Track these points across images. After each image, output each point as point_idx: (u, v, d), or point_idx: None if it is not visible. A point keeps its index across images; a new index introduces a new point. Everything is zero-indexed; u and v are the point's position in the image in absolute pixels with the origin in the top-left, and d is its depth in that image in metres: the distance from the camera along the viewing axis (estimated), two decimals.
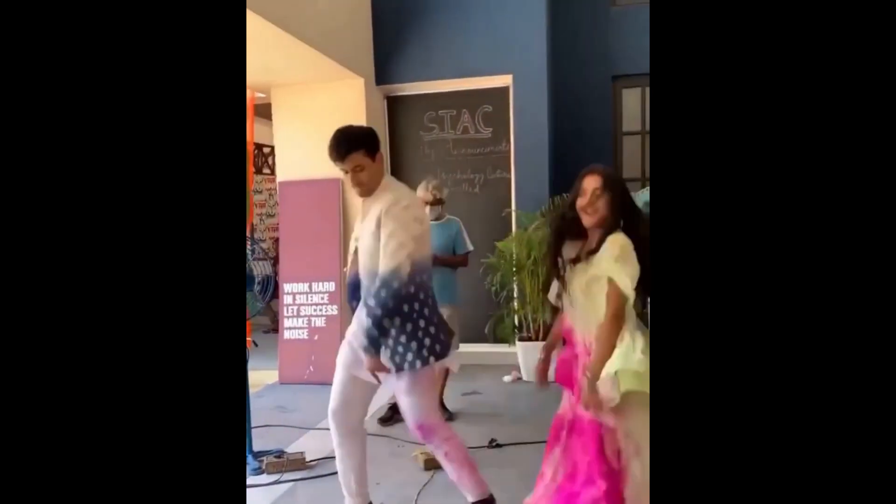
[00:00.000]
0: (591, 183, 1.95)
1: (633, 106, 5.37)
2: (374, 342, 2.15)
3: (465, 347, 3.93)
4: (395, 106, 5.23)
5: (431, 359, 2.21)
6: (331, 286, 4.74)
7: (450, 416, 3.87)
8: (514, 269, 4.61)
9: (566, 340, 2.17)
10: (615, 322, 1.91)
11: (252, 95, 4.98)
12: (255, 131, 5.20)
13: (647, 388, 1.97)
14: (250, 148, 4.95)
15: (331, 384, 2.38)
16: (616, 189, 1.94)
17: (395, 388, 2.29)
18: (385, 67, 5.03)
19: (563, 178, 4.95)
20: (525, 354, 4.63)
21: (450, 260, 3.79)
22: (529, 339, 4.64)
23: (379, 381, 2.28)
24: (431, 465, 3.02)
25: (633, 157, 5.41)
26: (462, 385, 4.31)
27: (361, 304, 2.24)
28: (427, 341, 2.20)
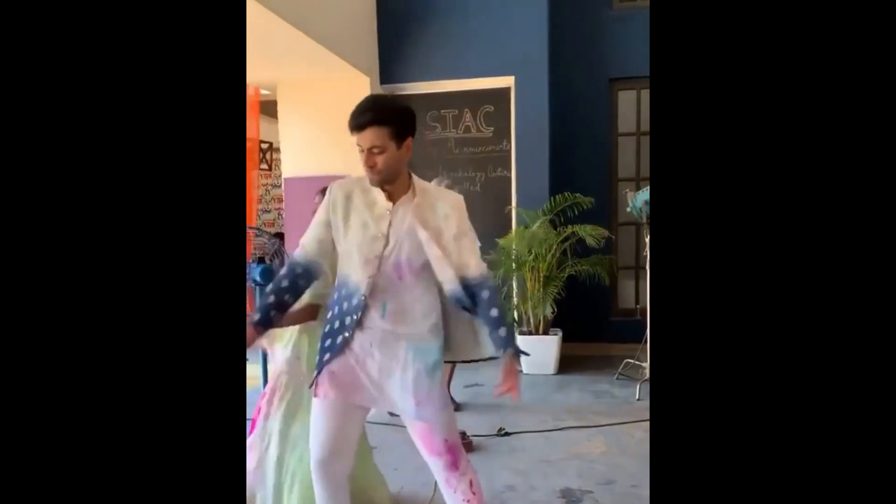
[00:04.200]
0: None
1: (629, 108, 5.51)
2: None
3: None
4: None
5: None
6: None
7: (457, 406, 3.99)
8: (515, 265, 4.74)
9: None
10: None
11: (257, 92, 5.06)
12: (259, 128, 5.27)
13: None
14: (255, 145, 5.02)
15: None
16: None
17: (422, 408, 1.85)
18: (389, 67, 5.13)
19: (562, 177, 5.09)
20: (525, 348, 4.73)
21: None
22: (530, 333, 4.77)
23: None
24: None
25: (629, 157, 5.56)
26: (465, 378, 4.43)
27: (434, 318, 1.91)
28: None
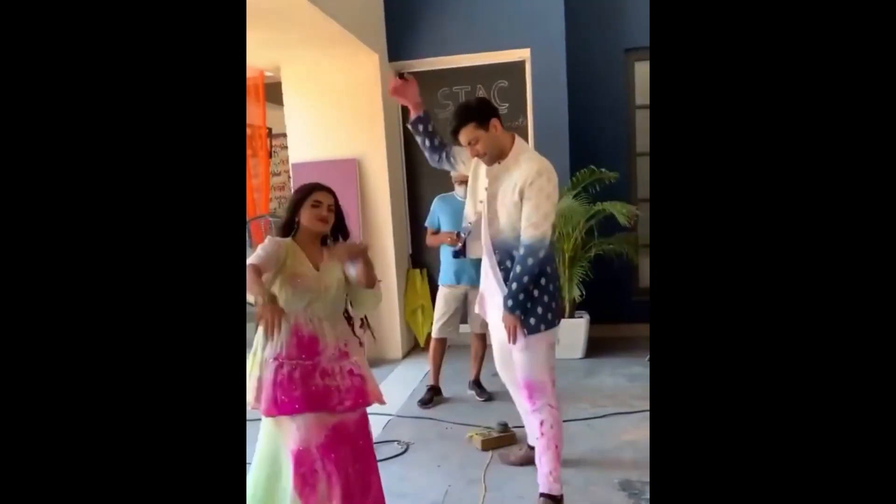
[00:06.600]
0: (324, 198, 2.20)
1: (645, 79, 5.30)
2: (519, 305, 2.28)
3: None
4: None
5: (551, 325, 2.36)
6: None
7: (489, 396, 3.83)
8: None
9: None
10: None
11: (261, 75, 4.81)
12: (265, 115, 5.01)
13: None
14: (264, 132, 4.76)
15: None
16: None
17: (511, 345, 2.36)
18: (397, 44, 4.89)
19: (581, 153, 4.89)
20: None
21: None
22: None
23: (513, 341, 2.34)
24: (488, 445, 2.97)
25: (646, 130, 5.36)
26: (491, 366, 4.27)
27: (491, 263, 2.37)
28: (552, 306, 2.36)
